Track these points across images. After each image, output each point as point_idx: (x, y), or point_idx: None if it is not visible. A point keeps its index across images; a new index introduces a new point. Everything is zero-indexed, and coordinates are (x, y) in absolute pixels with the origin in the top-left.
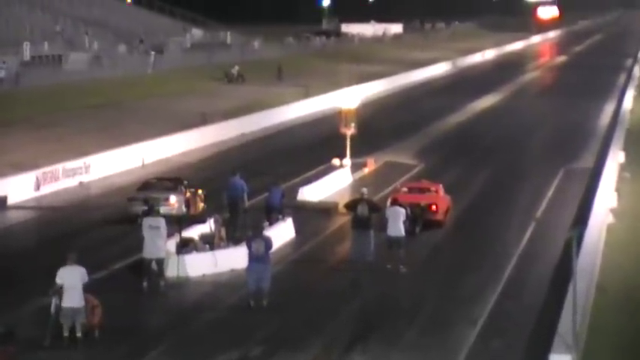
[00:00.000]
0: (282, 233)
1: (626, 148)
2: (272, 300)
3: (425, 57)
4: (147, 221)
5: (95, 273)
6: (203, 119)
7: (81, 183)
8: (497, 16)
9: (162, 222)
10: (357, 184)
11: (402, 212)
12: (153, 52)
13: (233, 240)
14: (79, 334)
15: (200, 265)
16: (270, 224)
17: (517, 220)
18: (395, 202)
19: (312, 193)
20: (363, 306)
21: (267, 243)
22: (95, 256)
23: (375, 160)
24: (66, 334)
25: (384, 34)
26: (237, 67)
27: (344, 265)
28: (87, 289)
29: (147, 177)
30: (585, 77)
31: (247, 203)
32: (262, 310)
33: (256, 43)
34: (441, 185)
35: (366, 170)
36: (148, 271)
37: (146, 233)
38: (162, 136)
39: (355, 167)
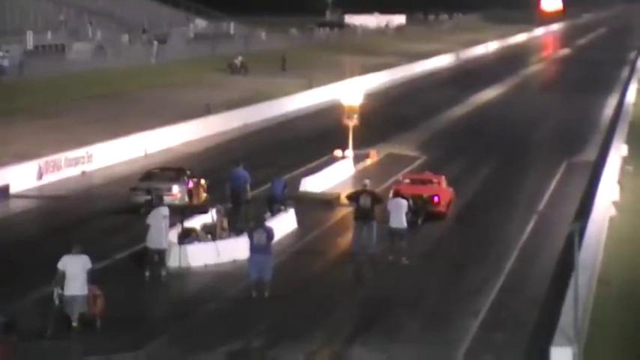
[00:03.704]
0: (284, 224)
1: (629, 141)
2: (274, 291)
3: (428, 49)
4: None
5: (97, 263)
6: (207, 110)
7: (83, 172)
8: (500, 8)
9: (168, 211)
10: (359, 176)
11: (404, 204)
12: (156, 43)
13: (235, 230)
14: (74, 324)
15: (202, 256)
16: (272, 215)
17: (519, 212)
18: (397, 194)
19: (314, 184)
20: (365, 298)
21: (269, 234)
22: (97, 246)
23: (377, 152)
24: (74, 324)
25: (387, 25)
26: (240, 58)
27: (346, 256)
28: (89, 278)
29: (149, 167)
30: (589, 70)
31: (250, 194)
32: (264, 301)
33: (263, 34)
34: (443, 177)
35: (368, 162)
36: (151, 261)
37: (155, 222)
38: (165, 126)
39: (358, 159)
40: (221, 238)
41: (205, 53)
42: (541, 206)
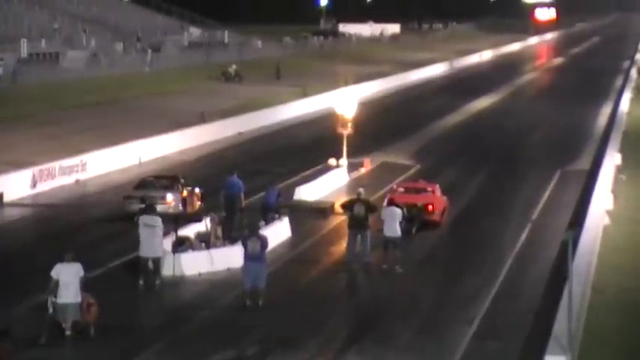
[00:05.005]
0: (278, 233)
1: (622, 151)
2: (268, 299)
3: (422, 57)
4: (143, 219)
5: (91, 271)
6: (201, 118)
7: (77, 181)
8: (494, 17)
9: (158, 220)
10: (353, 184)
11: (398, 213)
12: (150, 51)
13: (229, 239)
14: (68, 332)
15: (196, 264)
16: (267, 223)
17: (513, 221)
18: (391, 203)
19: (308, 192)
20: (359, 306)
21: (263, 242)
22: (91, 254)
23: (371, 161)
24: (68, 332)
25: (381, 34)
26: (234, 67)
27: (340, 265)
28: (83, 286)
29: (144, 175)
30: (582, 79)
31: (244, 202)
32: (258, 310)
33: (259, 43)
34: (437, 185)
35: (362, 170)
36: (145, 270)
37: (142, 231)
38: (160, 134)
39: (352, 167)
40: (215, 246)
41: (199, 61)
42: (535, 214)
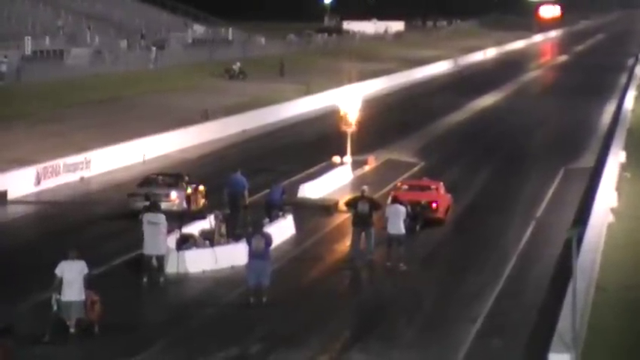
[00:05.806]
0: (282, 230)
1: (627, 148)
2: (271, 297)
3: (426, 55)
4: (146, 217)
5: (95, 268)
6: (205, 115)
7: (82, 178)
8: (499, 14)
9: (162, 218)
10: (357, 182)
11: (402, 210)
12: (154, 48)
13: (233, 236)
14: (72, 330)
15: (200, 262)
16: (271, 221)
17: (517, 218)
18: (395, 200)
19: (312, 190)
20: (363, 304)
21: (267, 240)
22: (95, 252)
23: (375, 158)
24: (72, 329)
25: (385, 31)
26: (238, 64)
27: (344, 262)
28: (87, 284)
29: (148, 173)
30: (586, 77)
31: (248, 200)
32: (262, 307)
33: (263, 40)
34: (441, 183)
35: (366, 168)
36: (148, 267)
37: (145, 229)
38: (163, 132)
39: (356, 165)
40: (219, 243)
41: (203, 59)
42: (539, 212)
